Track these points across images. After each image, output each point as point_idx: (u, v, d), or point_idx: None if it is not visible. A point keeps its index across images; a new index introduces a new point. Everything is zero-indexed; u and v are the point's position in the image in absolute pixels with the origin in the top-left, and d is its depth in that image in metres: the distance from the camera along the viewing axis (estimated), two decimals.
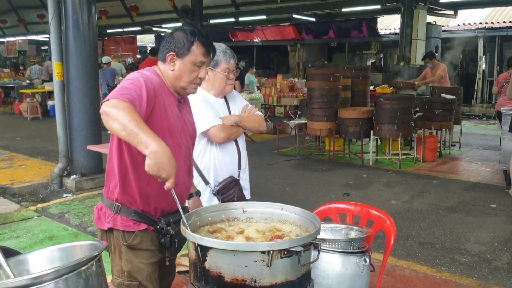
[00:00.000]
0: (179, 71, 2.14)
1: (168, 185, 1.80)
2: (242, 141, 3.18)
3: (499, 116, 8.19)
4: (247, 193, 3.19)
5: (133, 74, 2.08)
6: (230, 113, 3.12)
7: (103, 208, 2.20)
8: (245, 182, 3.18)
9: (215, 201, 2.97)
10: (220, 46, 2.92)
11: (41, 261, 1.91)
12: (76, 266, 1.66)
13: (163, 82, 2.17)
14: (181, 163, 2.18)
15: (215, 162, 3.02)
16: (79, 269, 1.67)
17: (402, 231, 5.01)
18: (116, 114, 1.76)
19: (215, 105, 3.05)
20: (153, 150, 1.72)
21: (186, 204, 2.42)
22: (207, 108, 2.93)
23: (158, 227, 2.16)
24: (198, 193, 2.60)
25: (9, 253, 1.91)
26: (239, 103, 3.21)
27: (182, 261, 3.81)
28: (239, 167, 3.11)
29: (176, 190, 2.17)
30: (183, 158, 2.22)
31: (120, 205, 2.13)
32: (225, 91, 3.05)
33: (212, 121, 2.91)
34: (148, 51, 24.99)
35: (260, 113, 3.23)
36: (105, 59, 13.39)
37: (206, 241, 1.76)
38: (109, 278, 2.18)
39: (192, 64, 2.13)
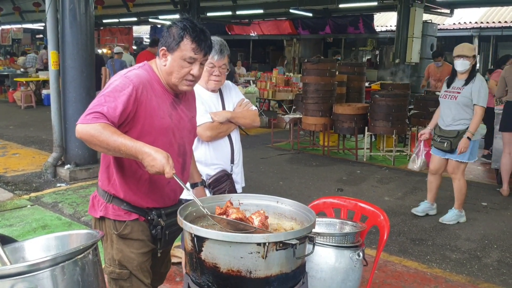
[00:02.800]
0: (170, 66, 2.09)
1: (166, 175, 1.88)
2: (236, 135, 3.17)
3: None
4: (239, 187, 3.19)
5: (118, 78, 2.05)
6: (224, 107, 3.10)
7: (97, 196, 2.23)
8: (237, 176, 3.17)
9: (207, 194, 2.97)
10: (212, 40, 2.88)
11: (37, 249, 1.92)
12: (73, 254, 1.67)
13: (156, 79, 2.14)
14: (174, 161, 2.19)
15: (207, 156, 3.02)
16: (75, 257, 1.68)
17: (395, 227, 5.06)
18: (91, 141, 1.89)
19: (207, 99, 3.03)
20: (141, 158, 1.88)
21: (183, 195, 2.42)
22: (197, 104, 2.85)
23: (149, 218, 2.19)
24: (202, 183, 2.61)
25: (5, 241, 1.92)
26: (235, 97, 3.19)
27: (176, 253, 3.82)
28: (232, 161, 3.11)
29: (168, 187, 2.20)
30: (176, 155, 2.21)
31: (112, 195, 2.16)
32: (208, 86, 3.01)
33: (199, 119, 2.86)
34: (146, 42, 24.98)
35: (254, 108, 3.23)
36: (116, 49, 13.31)
37: (202, 231, 1.78)
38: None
39: (182, 59, 2.07)
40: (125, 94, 1.98)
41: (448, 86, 5.14)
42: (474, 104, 4.89)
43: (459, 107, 4.95)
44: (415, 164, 5.34)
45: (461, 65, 4.93)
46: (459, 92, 4.96)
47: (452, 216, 5.25)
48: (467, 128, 4.91)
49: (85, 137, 1.89)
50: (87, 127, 1.88)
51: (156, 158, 1.87)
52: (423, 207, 5.47)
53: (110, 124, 1.90)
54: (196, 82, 2.20)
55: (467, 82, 4.95)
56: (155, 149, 1.89)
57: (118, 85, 2.01)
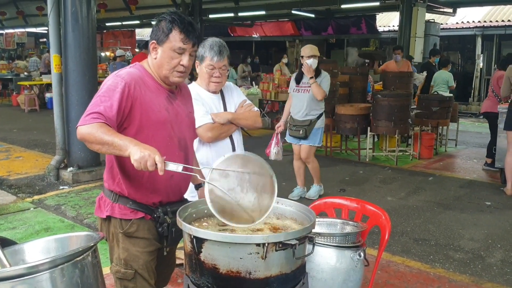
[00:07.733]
0: (160, 58, 2.15)
1: (159, 167, 1.83)
2: (238, 137, 3.17)
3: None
4: None
5: (110, 78, 2.11)
6: (225, 109, 3.10)
7: (103, 197, 2.26)
8: None
9: None
10: (211, 41, 2.89)
11: (37, 251, 1.93)
12: (72, 256, 1.68)
13: (148, 75, 2.19)
14: (175, 154, 2.20)
15: (208, 158, 3.02)
16: (74, 260, 1.68)
17: (397, 227, 5.04)
18: (89, 139, 1.91)
19: (208, 101, 3.03)
20: (129, 151, 1.84)
21: (186, 196, 2.42)
22: (198, 105, 2.89)
23: (155, 215, 2.20)
24: None
25: (5, 243, 1.93)
26: (236, 98, 3.19)
27: (178, 254, 3.82)
28: None
29: (172, 182, 2.20)
30: (177, 149, 2.23)
31: (118, 194, 2.18)
32: (209, 88, 3.02)
33: (200, 120, 2.88)
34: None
35: (256, 109, 3.22)
36: (118, 52, 13.35)
37: (201, 232, 1.78)
38: (107, 269, 2.19)
39: (171, 50, 2.12)
40: (118, 91, 2.03)
41: (298, 82, 5.71)
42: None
43: (310, 99, 5.59)
44: (278, 155, 5.72)
45: (313, 63, 5.54)
46: (309, 87, 5.55)
47: (315, 191, 6.01)
48: (317, 117, 5.64)
49: (84, 136, 1.92)
50: (86, 127, 1.93)
51: (146, 149, 1.85)
52: (297, 192, 6.01)
53: (108, 123, 1.95)
54: (187, 74, 2.23)
55: (315, 78, 5.54)
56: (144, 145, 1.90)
57: (111, 84, 2.06)
